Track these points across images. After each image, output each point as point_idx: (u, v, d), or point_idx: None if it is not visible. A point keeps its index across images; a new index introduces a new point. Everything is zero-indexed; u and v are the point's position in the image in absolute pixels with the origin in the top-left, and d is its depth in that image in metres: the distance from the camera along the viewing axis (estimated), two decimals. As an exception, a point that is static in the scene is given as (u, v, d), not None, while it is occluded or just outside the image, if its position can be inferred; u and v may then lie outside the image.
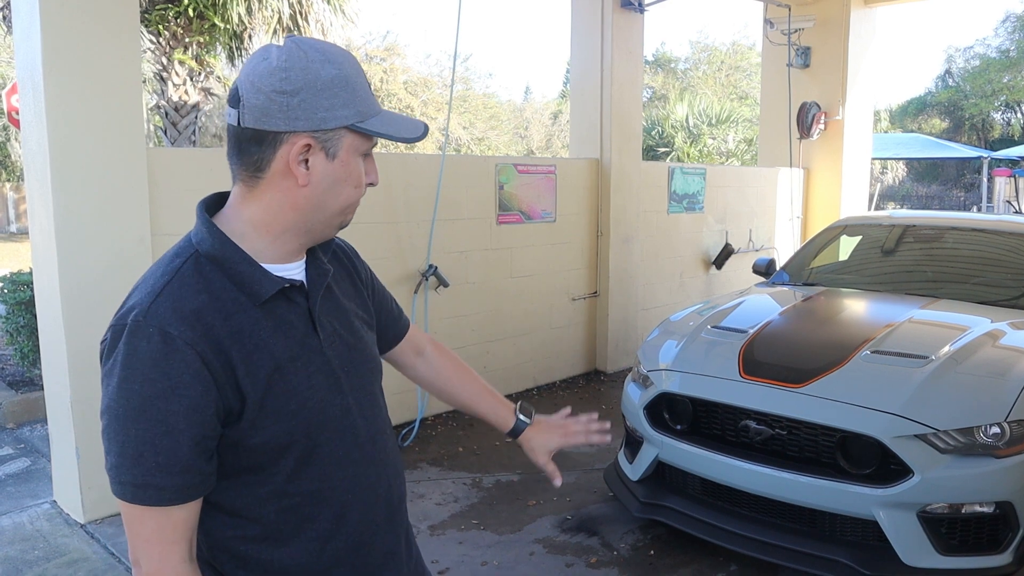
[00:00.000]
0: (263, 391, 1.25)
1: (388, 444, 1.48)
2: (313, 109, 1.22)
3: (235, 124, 1.25)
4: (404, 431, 5.39)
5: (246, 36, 10.67)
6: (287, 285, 1.30)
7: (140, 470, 1.18)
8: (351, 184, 1.30)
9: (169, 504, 1.19)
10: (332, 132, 1.24)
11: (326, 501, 1.34)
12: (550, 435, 1.76)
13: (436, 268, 5.61)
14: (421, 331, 1.79)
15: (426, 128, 1.34)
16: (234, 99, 1.25)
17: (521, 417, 1.75)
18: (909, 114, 33.01)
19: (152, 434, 1.17)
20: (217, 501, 1.29)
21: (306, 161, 1.24)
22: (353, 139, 1.27)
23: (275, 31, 10.62)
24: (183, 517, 1.22)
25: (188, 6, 9.76)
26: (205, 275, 1.26)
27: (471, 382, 1.77)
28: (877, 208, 19.59)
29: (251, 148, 1.24)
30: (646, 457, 3.81)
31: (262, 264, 1.29)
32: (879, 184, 23.51)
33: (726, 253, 8.19)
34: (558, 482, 1.75)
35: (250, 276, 1.27)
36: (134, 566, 1.23)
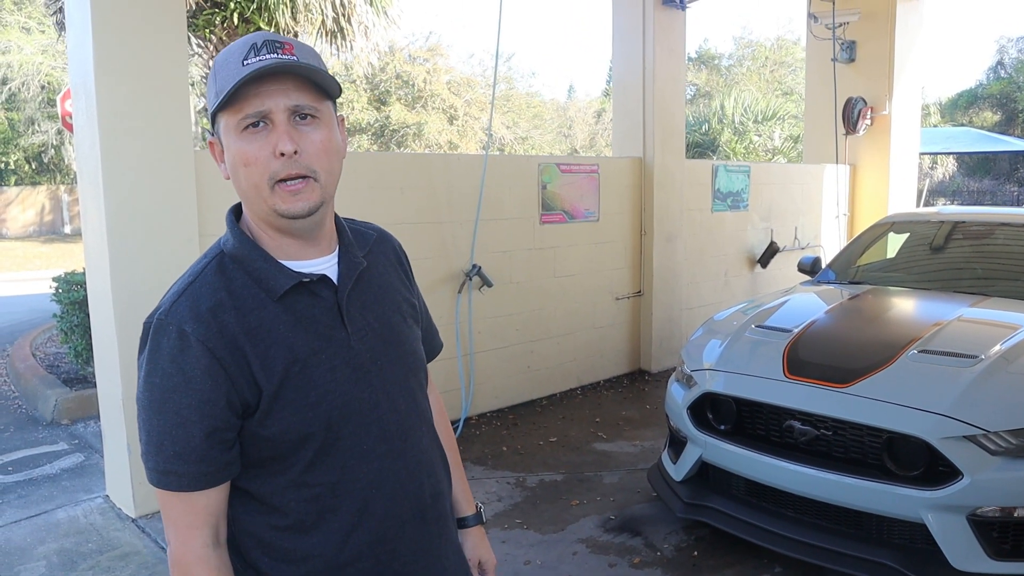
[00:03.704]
0: (278, 384, 1.28)
1: (423, 440, 1.48)
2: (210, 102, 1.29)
3: None
4: (447, 430, 5.41)
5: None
6: (305, 279, 1.33)
7: (161, 458, 1.25)
8: (240, 164, 1.28)
9: (188, 490, 1.26)
10: (216, 124, 1.30)
11: (348, 493, 1.36)
12: (483, 547, 1.76)
13: (480, 268, 5.64)
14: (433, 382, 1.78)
15: (269, 43, 1.27)
16: None
17: (481, 512, 1.78)
18: (959, 107, 32.29)
19: (169, 424, 1.25)
20: (246, 488, 1.34)
21: (221, 151, 1.32)
22: (226, 119, 1.28)
23: (319, 33, 10.73)
24: (205, 503, 1.28)
25: (233, 11, 9.91)
26: (227, 274, 1.31)
27: (452, 451, 1.73)
28: (927, 204, 19.24)
29: None
30: (690, 457, 3.79)
31: (282, 261, 1.34)
32: (928, 179, 23.04)
33: (771, 251, 8.10)
34: None
35: (266, 272, 1.31)
36: (168, 546, 1.30)
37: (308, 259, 1.36)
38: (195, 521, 1.27)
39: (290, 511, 1.34)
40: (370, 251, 1.48)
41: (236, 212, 1.39)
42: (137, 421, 1.29)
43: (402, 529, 1.42)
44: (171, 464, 1.24)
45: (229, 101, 1.25)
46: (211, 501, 1.28)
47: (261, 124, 1.26)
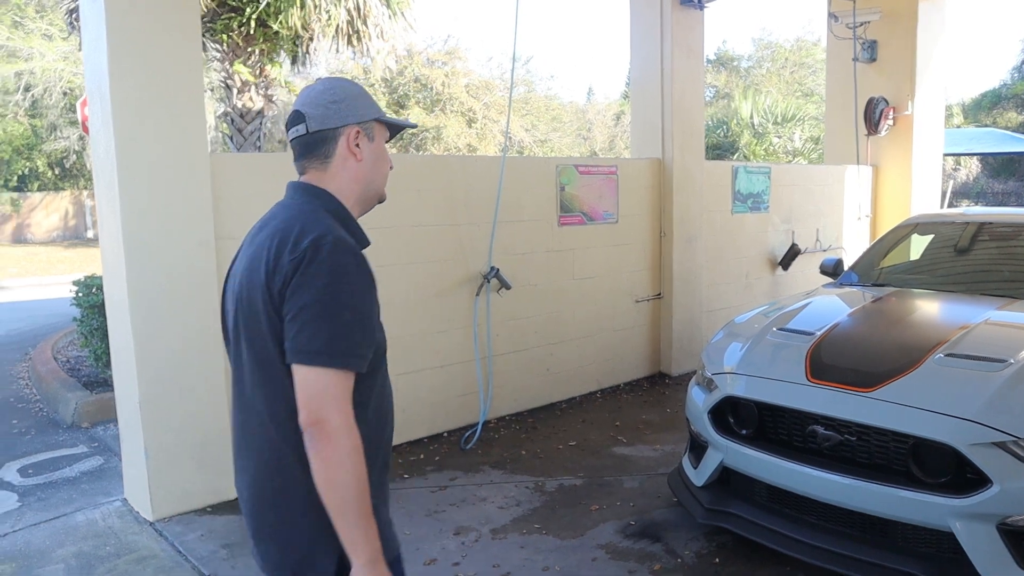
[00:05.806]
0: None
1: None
2: (355, 108, 1.80)
3: (304, 133, 1.77)
4: (467, 434, 5.39)
5: (307, 40, 10.76)
6: (368, 243, 1.81)
7: (351, 344, 1.59)
8: (385, 160, 1.87)
9: (359, 370, 1.62)
10: (369, 122, 1.82)
11: (387, 397, 1.81)
12: None
13: (498, 270, 5.61)
14: None
15: (412, 124, 2.11)
16: (297, 118, 1.77)
17: None
18: (983, 108, 31.89)
19: (359, 318, 1.61)
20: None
21: (358, 144, 1.80)
22: (380, 128, 1.86)
23: (335, 36, 10.72)
24: (353, 383, 1.64)
25: (250, 16, 9.93)
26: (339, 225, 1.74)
27: None
28: (950, 206, 19.02)
29: (319, 145, 1.78)
30: (711, 462, 3.74)
31: None
32: (952, 181, 22.78)
33: (792, 253, 8.02)
34: None
35: (358, 229, 1.80)
36: (316, 425, 1.55)
37: None
38: (349, 397, 1.60)
39: (368, 406, 1.70)
40: None
41: (306, 190, 1.78)
42: (314, 318, 1.55)
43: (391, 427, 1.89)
44: (358, 349, 1.60)
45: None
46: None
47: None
